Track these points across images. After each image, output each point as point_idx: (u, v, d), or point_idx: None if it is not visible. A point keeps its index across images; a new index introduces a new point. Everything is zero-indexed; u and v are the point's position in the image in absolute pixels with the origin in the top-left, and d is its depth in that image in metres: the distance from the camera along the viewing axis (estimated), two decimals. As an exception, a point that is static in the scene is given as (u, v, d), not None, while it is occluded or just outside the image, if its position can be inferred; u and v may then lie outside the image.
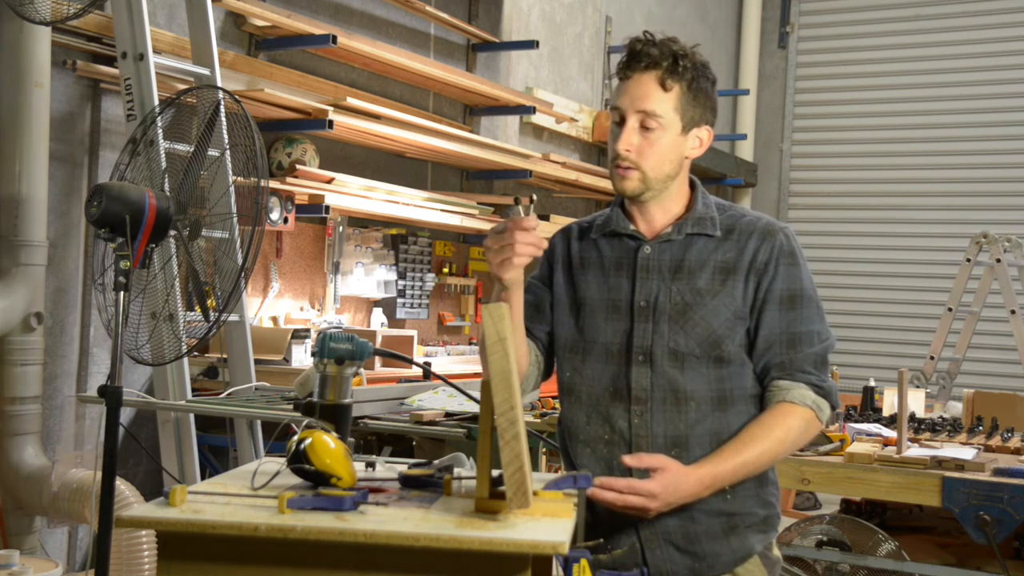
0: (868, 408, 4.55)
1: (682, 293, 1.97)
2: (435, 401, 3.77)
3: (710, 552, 1.97)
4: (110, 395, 2.81)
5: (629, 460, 1.87)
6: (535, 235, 1.87)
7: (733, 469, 1.91)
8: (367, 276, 5.55)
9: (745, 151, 10.04)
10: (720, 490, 1.95)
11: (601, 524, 2.00)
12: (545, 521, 1.52)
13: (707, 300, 1.96)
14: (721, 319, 1.96)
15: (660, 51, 1.94)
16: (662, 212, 2.03)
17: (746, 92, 9.97)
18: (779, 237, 2.00)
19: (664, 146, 1.96)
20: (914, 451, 3.42)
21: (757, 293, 1.98)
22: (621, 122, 1.97)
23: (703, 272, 1.98)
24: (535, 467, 3.35)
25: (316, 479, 1.61)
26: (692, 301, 1.96)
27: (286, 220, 4.80)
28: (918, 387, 5.41)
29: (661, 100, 1.94)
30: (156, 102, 3.70)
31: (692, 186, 2.08)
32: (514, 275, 1.91)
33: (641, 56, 1.94)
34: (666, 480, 1.85)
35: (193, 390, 3.84)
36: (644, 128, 1.95)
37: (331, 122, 4.77)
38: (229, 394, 3.90)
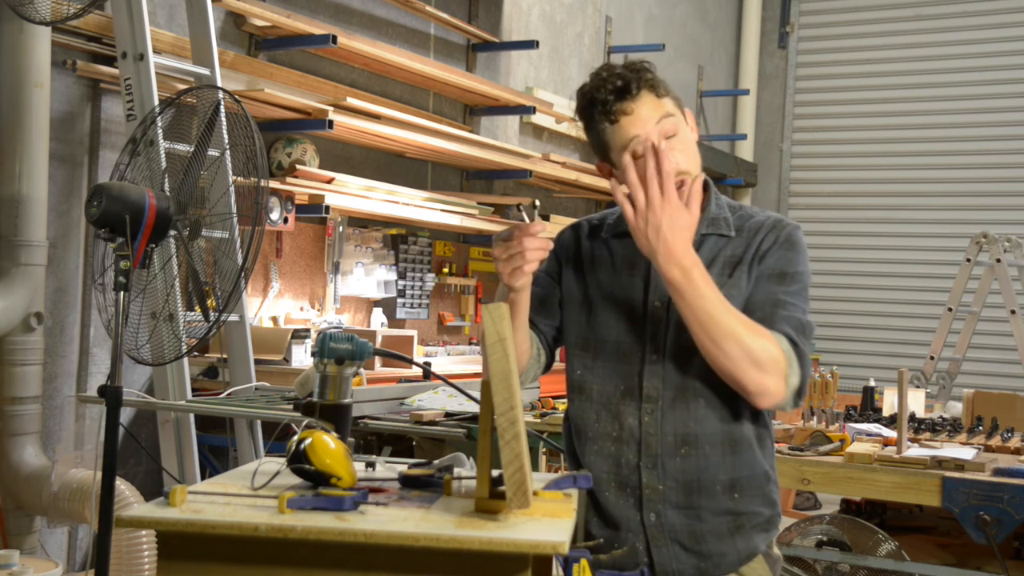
0: (868, 408, 4.55)
1: None
2: (435, 401, 3.77)
3: (716, 552, 1.97)
4: (110, 395, 2.81)
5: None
6: (542, 239, 1.87)
7: (704, 289, 1.82)
8: (367, 276, 5.55)
9: (745, 151, 10.04)
10: (728, 487, 1.95)
11: (607, 522, 2.00)
12: (545, 521, 1.52)
13: None
14: None
15: (633, 75, 1.94)
16: None
17: (746, 92, 9.98)
18: (786, 229, 2.01)
19: (689, 143, 1.98)
20: (914, 451, 3.42)
21: (751, 273, 1.97)
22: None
23: (713, 269, 1.97)
24: (535, 467, 3.35)
25: (316, 479, 1.61)
26: None
27: (286, 220, 4.80)
28: (918, 387, 5.41)
29: (665, 105, 1.96)
30: (156, 102, 3.70)
31: (705, 187, 2.08)
32: (525, 281, 1.91)
33: (629, 86, 1.94)
34: (678, 216, 1.81)
35: (193, 390, 3.84)
36: (668, 138, 1.95)
37: (331, 122, 4.77)
38: (229, 394, 3.90)
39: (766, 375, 1.84)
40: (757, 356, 1.83)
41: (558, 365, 2.17)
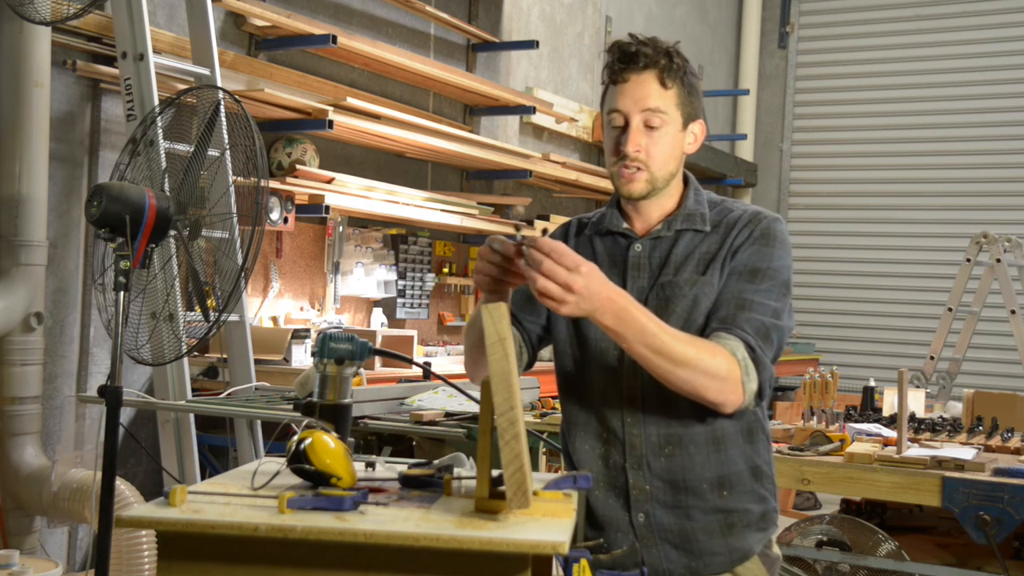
0: (868, 408, 4.55)
1: (664, 288, 1.95)
2: (435, 401, 3.76)
3: (707, 550, 1.96)
4: (110, 395, 2.81)
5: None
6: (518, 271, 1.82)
7: (645, 325, 1.76)
8: (367, 276, 5.55)
9: (745, 151, 10.04)
10: (716, 485, 1.94)
11: (594, 523, 2.00)
12: (545, 521, 1.52)
13: (686, 291, 1.93)
14: (701, 308, 1.92)
15: (654, 50, 1.92)
16: (657, 209, 2.02)
17: (746, 92, 9.97)
18: (762, 223, 1.97)
19: (668, 143, 1.95)
20: (914, 451, 3.42)
21: (723, 270, 1.94)
22: (623, 125, 1.95)
23: (687, 265, 1.96)
24: (535, 467, 3.35)
25: (316, 479, 1.61)
26: (672, 295, 1.94)
27: (286, 220, 4.80)
28: (918, 387, 5.42)
29: (663, 97, 1.93)
30: (156, 102, 3.70)
31: (686, 181, 2.06)
32: (489, 289, 1.86)
33: (638, 57, 1.92)
34: (592, 272, 1.71)
35: (193, 390, 3.84)
36: (648, 127, 1.94)
37: (331, 122, 4.77)
38: (229, 394, 3.90)
39: (723, 391, 1.82)
40: (712, 374, 1.80)
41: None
